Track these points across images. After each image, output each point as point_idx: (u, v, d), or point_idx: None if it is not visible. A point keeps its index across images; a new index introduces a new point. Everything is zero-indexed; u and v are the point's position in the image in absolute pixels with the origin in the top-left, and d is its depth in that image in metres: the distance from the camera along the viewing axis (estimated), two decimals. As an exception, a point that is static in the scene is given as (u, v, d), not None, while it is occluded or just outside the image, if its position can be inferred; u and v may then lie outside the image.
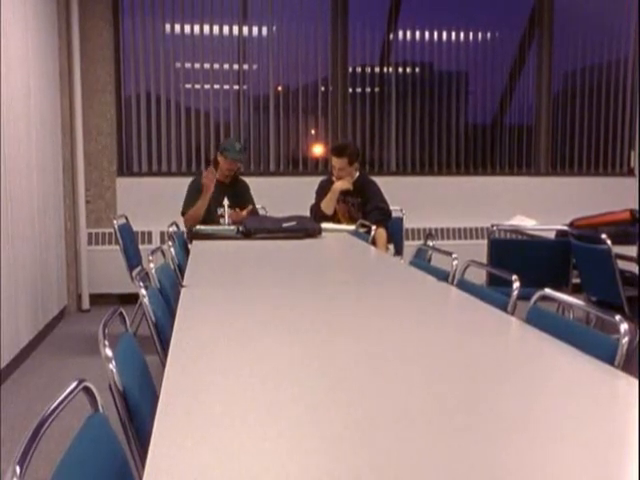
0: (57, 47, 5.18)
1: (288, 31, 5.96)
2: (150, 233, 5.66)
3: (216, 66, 5.91)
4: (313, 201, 4.69)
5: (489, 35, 6.25)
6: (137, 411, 1.38)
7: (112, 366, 1.37)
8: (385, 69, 6.14)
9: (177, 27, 5.83)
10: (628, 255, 3.63)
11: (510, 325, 1.89)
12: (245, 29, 5.92)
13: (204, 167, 5.58)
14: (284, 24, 5.96)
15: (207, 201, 4.40)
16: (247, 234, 3.91)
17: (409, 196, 5.82)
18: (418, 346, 1.66)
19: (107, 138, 5.69)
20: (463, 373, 1.43)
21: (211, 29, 5.87)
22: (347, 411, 1.19)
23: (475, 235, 5.98)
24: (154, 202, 5.70)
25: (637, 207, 4.61)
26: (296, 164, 6.06)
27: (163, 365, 1.53)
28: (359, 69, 6.11)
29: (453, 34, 6.18)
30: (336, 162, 4.55)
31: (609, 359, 1.52)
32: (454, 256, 2.67)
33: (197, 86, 5.91)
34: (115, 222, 4.40)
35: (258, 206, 4.85)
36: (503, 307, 2.07)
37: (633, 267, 3.66)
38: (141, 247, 4.94)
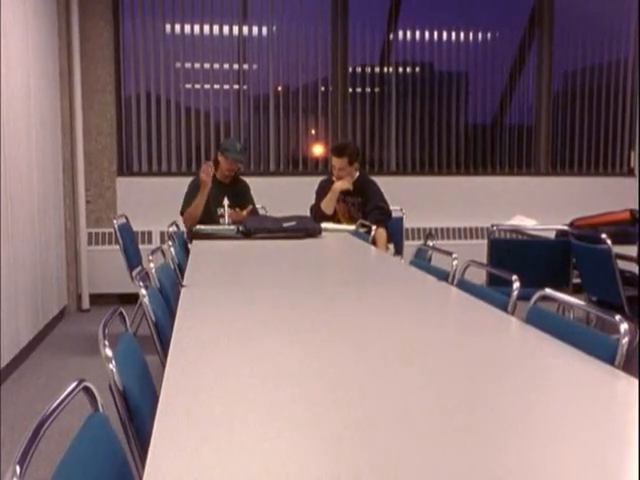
0: (57, 47, 5.17)
1: (288, 31, 5.96)
2: (150, 233, 5.66)
3: (216, 66, 5.91)
4: (313, 201, 4.69)
5: (489, 35, 6.25)
6: (137, 411, 1.38)
7: (112, 366, 1.37)
8: (385, 69, 6.14)
9: (177, 27, 5.83)
10: (628, 255, 3.63)
11: (510, 325, 1.89)
12: (245, 29, 5.92)
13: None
14: (284, 24, 5.96)
15: (205, 197, 4.34)
16: (247, 234, 3.91)
17: (409, 196, 5.81)
18: (418, 346, 1.66)
19: (107, 138, 5.69)
20: (463, 373, 1.43)
21: (211, 29, 5.87)
22: (347, 411, 1.19)
23: (475, 235, 5.98)
24: (154, 202, 5.69)
25: (637, 207, 4.61)
26: (296, 164, 6.06)
27: (163, 365, 1.53)
28: (359, 69, 6.11)
29: (453, 34, 6.18)
30: (336, 162, 4.55)
31: (609, 359, 1.52)
32: (454, 256, 2.67)
33: (197, 86, 5.91)
34: (115, 222, 4.40)
35: (258, 206, 4.84)
36: (503, 307, 2.07)
37: (633, 267, 3.66)
38: (141, 247, 4.94)
